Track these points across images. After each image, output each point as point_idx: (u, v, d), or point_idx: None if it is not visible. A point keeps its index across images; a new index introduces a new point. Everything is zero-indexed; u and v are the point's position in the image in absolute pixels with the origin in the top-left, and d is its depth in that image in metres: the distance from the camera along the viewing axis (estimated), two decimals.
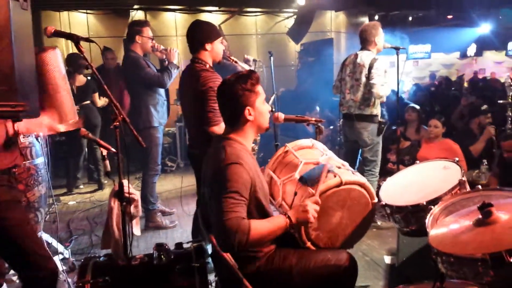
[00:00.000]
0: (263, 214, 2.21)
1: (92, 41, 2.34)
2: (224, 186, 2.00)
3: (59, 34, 2.32)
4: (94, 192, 6.32)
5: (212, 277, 2.71)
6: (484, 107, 5.82)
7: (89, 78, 6.21)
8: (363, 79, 4.31)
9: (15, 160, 2.24)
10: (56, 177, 6.64)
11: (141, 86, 4.52)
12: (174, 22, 9.50)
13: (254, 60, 4.56)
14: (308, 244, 2.34)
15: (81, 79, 6.01)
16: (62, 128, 2.59)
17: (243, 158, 2.11)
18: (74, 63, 5.87)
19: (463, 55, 14.25)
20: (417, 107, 6.13)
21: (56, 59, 2.46)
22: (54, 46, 2.46)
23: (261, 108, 2.23)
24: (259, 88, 2.24)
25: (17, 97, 1.48)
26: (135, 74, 4.46)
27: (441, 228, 1.80)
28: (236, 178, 2.02)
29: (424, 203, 2.24)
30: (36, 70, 2.12)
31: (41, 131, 2.37)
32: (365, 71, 4.30)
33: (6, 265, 3.35)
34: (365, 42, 4.41)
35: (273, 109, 3.36)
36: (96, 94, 6.16)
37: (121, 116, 2.37)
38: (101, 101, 6.29)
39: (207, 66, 3.15)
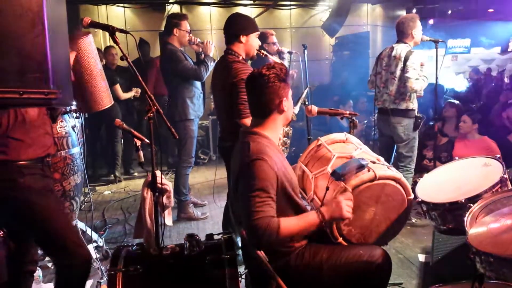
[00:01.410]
0: (295, 208, 2.19)
1: (128, 32, 2.36)
2: (250, 184, 1.99)
3: (95, 25, 2.35)
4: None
5: (241, 269, 2.72)
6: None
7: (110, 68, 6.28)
8: (398, 72, 4.21)
9: (49, 149, 2.28)
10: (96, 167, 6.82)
11: (178, 78, 4.57)
12: (209, 16, 9.54)
13: (289, 52, 4.52)
14: (340, 239, 2.29)
15: None
16: None
17: (267, 153, 2.08)
18: None
19: (504, 50, 13.72)
20: (456, 102, 5.94)
21: (90, 44, 2.50)
22: (87, 32, 2.49)
23: (290, 101, 2.26)
24: (289, 81, 2.24)
25: (50, 84, 1.50)
26: (172, 66, 4.51)
27: (481, 227, 1.73)
28: (261, 175, 2.00)
29: (463, 201, 2.16)
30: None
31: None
32: (400, 64, 4.19)
33: (40, 252, 3.47)
34: (402, 34, 4.30)
35: (307, 102, 3.32)
36: (118, 86, 6.19)
37: (155, 107, 2.38)
38: (128, 94, 6.35)
39: (240, 58, 3.12)
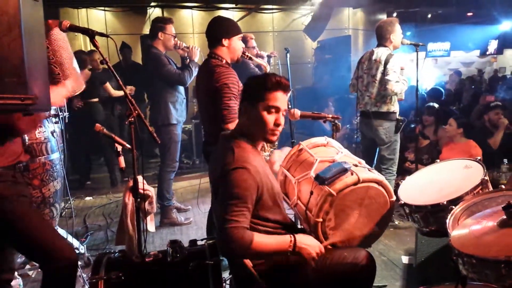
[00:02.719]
0: (276, 213, 2.18)
1: (107, 36, 2.32)
2: (229, 192, 1.97)
3: (74, 28, 2.31)
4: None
5: (226, 275, 2.69)
6: (494, 103, 5.69)
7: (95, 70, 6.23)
8: (379, 76, 4.25)
9: (19, 157, 2.27)
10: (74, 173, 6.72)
11: (161, 83, 4.55)
12: (191, 19, 9.51)
13: (269, 56, 4.50)
14: (325, 243, 2.29)
15: (86, 73, 6.02)
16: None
17: (250, 162, 2.05)
18: (78, 59, 5.91)
19: (483, 53, 13.98)
20: (436, 106, 6.01)
21: (58, 33, 2.46)
22: (56, 21, 2.44)
23: (262, 114, 2.10)
24: (271, 95, 2.10)
25: (27, 89, 1.46)
26: (156, 70, 4.49)
27: (463, 229, 1.75)
28: (242, 184, 1.98)
29: (445, 203, 2.17)
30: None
31: (61, 102, 2.37)
32: (381, 68, 4.23)
33: (20, 260, 3.39)
34: (381, 38, 4.35)
35: (290, 106, 3.31)
36: (108, 84, 6.13)
37: (136, 112, 2.35)
38: (119, 92, 6.29)
39: (223, 62, 3.10)
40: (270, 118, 2.12)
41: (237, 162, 2.02)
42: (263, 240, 2.00)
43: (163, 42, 4.53)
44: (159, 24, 4.53)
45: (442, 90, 8.44)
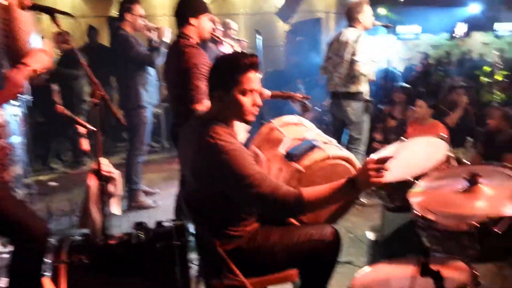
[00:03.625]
0: None
1: (68, 14, 2.23)
2: (239, 172, 1.92)
3: (36, 7, 2.21)
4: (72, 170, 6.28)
5: (194, 256, 2.67)
6: (458, 83, 5.80)
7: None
8: (348, 56, 4.27)
9: None
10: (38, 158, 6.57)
11: (130, 65, 4.45)
12: (161, 1, 9.31)
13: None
14: (292, 220, 2.30)
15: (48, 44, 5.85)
16: None
17: (234, 141, 2.02)
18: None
19: (452, 36, 14.21)
20: (408, 86, 6.09)
21: (24, 16, 2.34)
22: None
23: (238, 98, 2.03)
24: (244, 77, 2.02)
25: None
26: (124, 52, 4.39)
27: (426, 196, 1.78)
28: (245, 163, 1.95)
29: (410, 179, 2.19)
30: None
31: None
32: (349, 48, 4.25)
33: None
34: (350, 19, 4.39)
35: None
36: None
37: (101, 93, 2.28)
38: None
39: (193, 41, 3.05)
40: (247, 101, 2.05)
41: (224, 147, 1.96)
42: (313, 189, 1.95)
43: (131, 24, 4.43)
44: (127, 5, 4.44)
45: (415, 71, 8.56)
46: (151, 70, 4.56)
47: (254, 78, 2.05)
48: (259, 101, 2.09)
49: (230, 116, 2.12)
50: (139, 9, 4.45)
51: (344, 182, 1.93)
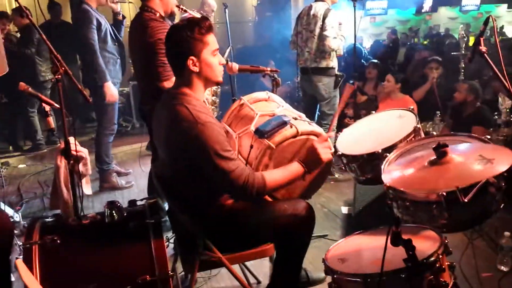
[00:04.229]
0: None
1: None
2: (211, 149, 1.94)
3: None
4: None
5: (169, 234, 2.67)
6: (431, 57, 5.88)
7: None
8: (317, 31, 4.25)
9: None
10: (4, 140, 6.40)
11: None
12: None
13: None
14: (266, 196, 2.31)
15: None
16: None
17: (209, 114, 2.04)
18: None
19: (418, 11, 14.35)
20: (379, 62, 6.14)
21: None
22: None
23: (208, 60, 2.06)
24: (209, 38, 2.06)
25: None
26: (78, 30, 4.21)
27: (395, 170, 1.81)
28: (218, 137, 1.97)
29: (380, 151, 2.22)
30: None
31: None
32: (319, 23, 4.23)
33: None
34: None
35: (229, 61, 3.25)
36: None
37: (63, 68, 2.20)
38: None
39: (157, 15, 2.96)
40: (216, 61, 2.10)
41: (199, 118, 1.96)
42: (275, 175, 2.09)
43: None
44: None
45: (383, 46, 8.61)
46: (110, 48, 4.36)
47: (214, 39, 2.11)
48: (222, 60, 2.16)
49: (204, 82, 2.12)
50: None
51: (298, 167, 2.12)
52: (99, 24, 4.19)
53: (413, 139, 2.29)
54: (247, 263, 2.80)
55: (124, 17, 4.34)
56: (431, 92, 5.34)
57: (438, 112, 4.81)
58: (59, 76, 2.19)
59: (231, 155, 1.99)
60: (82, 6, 4.22)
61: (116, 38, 4.43)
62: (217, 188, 2.14)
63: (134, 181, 4.78)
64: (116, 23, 4.40)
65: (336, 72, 4.39)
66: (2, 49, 2.31)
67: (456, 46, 6.99)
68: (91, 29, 4.12)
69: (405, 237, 1.51)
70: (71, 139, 2.30)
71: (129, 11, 5.09)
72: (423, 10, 14.03)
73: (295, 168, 2.12)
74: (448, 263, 1.79)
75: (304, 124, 2.35)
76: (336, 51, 4.31)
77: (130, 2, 4.88)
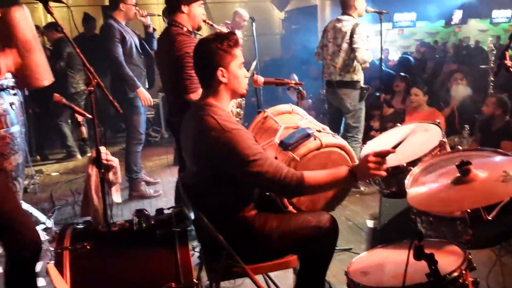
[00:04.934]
0: None
1: (61, 1, 2.23)
2: (243, 155, 1.98)
3: None
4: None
5: (195, 243, 2.72)
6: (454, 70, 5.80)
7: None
8: (344, 45, 4.27)
9: None
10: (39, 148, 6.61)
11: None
12: None
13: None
14: (290, 208, 2.34)
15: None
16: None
17: (235, 122, 2.10)
18: None
19: (448, 23, 14.17)
20: (407, 76, 6.10)
21: (25, 17, 2.35)
22: (20, 3, 2.34)
23: (236, 72, 2.14)
24: (236, 51, 2.15)
25: None
26: (103, 44, 4.37)
27: (420, 187, 1.80)
28: (248, 143, 2.01)
29: (404, 165, 2.23)
30: (4, 30, 2.04)
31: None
32: (346, 37, 4.25)
33: None
34: (345, 6, 4.37)
35: (254, 74, 3.31)
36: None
37: (95, 80, 2.29)
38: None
39: (184, 30, 3.04)
40: (242, 73, 2.18)
41: (227, 126, 2.02)
42: (315, 174, 2.04)
43: (125, 13, 4.41)
44: None
45: (411, 59, 8.53)
46: (137, 61, 4.51)
47: (240, 52, 2.18)
48: (247, 74, 2.23)
49: (230, 94, 2.18)
50: None
51: (345, 172, 2.02)
52: (123, 38, 4.34)
53: (438, 153, 2.29)
54: (271, 274, 2.82)
55: (154, 30, 4.51)
56: (452, 115, 5.28)
57: (466, 126, 4.75)
58: (92, 88, 2.28)
59: (261, 156, 2.02)
60: (107, 21, 4.39)
61: (143, 50, 4.57)
62: (244, 197, 2.18)
63: (162, 191, 4.87)
64: (147, 35, 4.54)
65: (362, 85, 4.39)
66: (45, 60, 2.44)
67: (486, 59, 6.88)
68: (114, 42, 4.28)
69: (428, 251, 1.51)
70: (102, 149, 2.38)
71: (159, 24, 5.24)
72: (452, 22, 13.85)
73: (341, 171, 2.04)
74: (472, 279, 1.76)
75: (328, 136, 2.38)
76: (362, 64, 4.32)
77: (159, 15, 5.07)
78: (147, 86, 4.68)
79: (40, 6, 2.19)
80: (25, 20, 2.39)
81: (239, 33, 6.31)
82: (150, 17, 4.75)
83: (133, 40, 4.44)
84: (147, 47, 4.62)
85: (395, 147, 2.11)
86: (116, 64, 4.27)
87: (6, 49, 2.28)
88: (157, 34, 4.41)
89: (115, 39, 4.29)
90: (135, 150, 4.64)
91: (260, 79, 2.96)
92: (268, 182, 2.00)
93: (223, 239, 2.15)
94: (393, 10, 11.90)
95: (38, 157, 6.50)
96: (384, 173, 2.02)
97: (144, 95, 4.37)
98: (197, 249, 2.79)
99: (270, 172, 1.98)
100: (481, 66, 5.78)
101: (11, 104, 3.06)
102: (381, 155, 2.00)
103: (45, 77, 2.54)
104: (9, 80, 3.05)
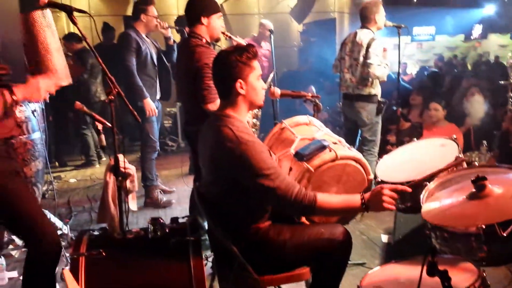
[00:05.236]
0: None
1: (85, 12, 2.30)
2: (256, 165, 2.00)
3: (52, 4, 2.28)
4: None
5: (208, 253, 2.73)
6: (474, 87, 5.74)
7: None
8: (361, 59, 4.28)
9: (12, 130, 2.24)
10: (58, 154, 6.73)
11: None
12: (176, 0, 9.39)
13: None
14: (303, 219, 2.34)
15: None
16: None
17: (251, 134, 2.12)
18: None
19: (468, 38, 14.07)
20: (424, 90, 6.07)
21: (44, 18, 2.41)
22: (42, 6, 2.40)
23: (254, 84, 2.17)
24: (255, 63, 2.18)
25: None
26: (119, 52, 4.45)
27: (435, 202, 1.80)
28: (262, 157, 2.03)
29: (420, 180, 2.22)
30: (25, 30, 2.09)
31: (39, 97, 2.30)
32: (363, 51, 4.26)
33: (5, 239, 3.40)
34: (365, 19, 4.37)
35: (272, 86, 3.33)
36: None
37: (116, 90, 2.35)
38: None
39: (204, 41, 3.09)
40: (260, 85, 2.21)
41: (242, 138, 2.04)
42: (329, 198, 2.05)
43: (145, 24, 4.49)
44: (141, 6, 4.49)
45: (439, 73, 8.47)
46: (149, 71, 4.56)
47: (258, 64, 2.21)
48: (264, 85, 2.26)
49: (248, 105, 2.21)
50: (153, 10, 4.51)
51: (358, 203, 2.03)
52: (138, 48, 4.42)
53: (454, 169, 2.27)
54: (283, 287, 2.81)
55: (175, 42, 4.58)
56: (468, 134, 5.23)
57: (484, 141, 4.69)
58: (112, 97, 2.33)
59: (275, 171, 2.03)
60: (126, 30, 4.47)
61: (160, 63, 4.65)
62: (258, 208, 2.20)
63: (178, 199, 4.90)
64: (168, 47, 4.61)
65: (379, 98, 4.39)
66: (64, 61, 2.49)
67: (505, 74, 6.80)
68: (129, 51, 4.37)
69: (441, 268, 1.50)
70: (120, 157, 2.42)
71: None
72: (472, 37, 13.74)
73: (354, 200, 2.05)
74: None
75: (343, 149, 2.38)
76: (380, 78, 4.32)
77: (179, 28, 5.15)
78: (158, 97, 4.72)
79: (63, 15, 2.25)
80: (45, 21, 2.45)
81: (267, 45, 6.45)
82: (172, 30, 4.84)
83: (149, 51, 4.51)
84: (165, 59, 4.69)
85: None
86: (127, 72, 4.35)
87: (49, 72, 2.35)
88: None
89: (131, 47, 4.38)
90: (150, 157, 4.69)
91: (277, 91, 2.98)
92: (278, 198, 2.02)
93: (236, 249, 2.16)
94: (412, 24, 11.86)
95: (57, 163, 6.61)
96: (394, 207, 2.05)
97: (150, 106, 4.43)
98: (210, 259, 2.80)
99: (281, 189, 2.00)
100: (500, 82, 5.71)
101: (33, 111, 3.14)
102: (396, 191, 2.02)
103: (63, 77, 2.59)
104: None
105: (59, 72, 2.52)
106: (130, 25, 4.58)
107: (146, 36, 4.59)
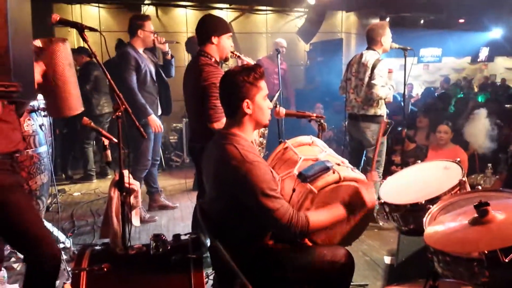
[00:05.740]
0: None
1: (97, 30, 2.35)
2: (258, 188, 2.02)
3: (64, 22, 2.33)
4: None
5: (210, 271, 2.72)
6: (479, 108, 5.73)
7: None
8: (366, 79, 4.31)
9: (18, 144, 2.26)
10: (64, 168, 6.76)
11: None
12: (185, 18, 9.51)
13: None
14: (305, 240, 2.33)
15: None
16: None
17: (256, 154, 2.13)
18: None
19: (474, 60, 14.13)
20: (430, 112, 6.08)
21: (65, 51, 2.45)
22: (64, 38, 2.45)
23: (260, 104, 2.20)
24: (262, 84, 2.21)
25: (11, 77, 1.49)
26: (120, 68, 4.44)
27: (437, 226, 1.79)
28: (265, 177, 2.05)
29: (423, 202, 2.22)
30: (46, 62, 2.14)
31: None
32: (368, 72, 4.29)
33: (6, 252, 3.41)
34: (371, 41, 4.41)
35: (277, 106, 3.36)
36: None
37: (123, 106, 2.38)
38: None
39: (212, 60, 3.13)
40: (266, 105, 2.24)
41: (248, 157, 2.06)
42: (318, 217, 2.13)
43: (143, 40, 4.50)
44: (138, 22, 4.50)
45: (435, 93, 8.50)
46: (150, 89, 4.55)
47: (265, 84, 2.25)
48: (270, 105, 2.29)
49: (254, 124, 2.23)
50: (150, 25, 4.52)
51: (341, 210, 2.21)
52: (138, 65, 4.41)
53: (458, 192, 2.27)
54: None
55: (172, 57, 4.61)
56: (473, 156, 5.23)
57: (489, 164, 4.68)
58: (119, 113, 2.36)
59: (276, 193, 2.06)
60: (123, 48, 4.50)
61: (159, 78, 4.65)
62: (261, 227, 2.20)
63: (180, 215, 4.90)
64: (165, 62, 4.64)
65: (385, 119, 4.39)
66: (79, 91, 2.54)
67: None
68: (129, 70, 4.36)
69: None
70: (125, 172, 2.44)
71: (184, 52, 5.33)
72: (478, 59, 13.80)
73: (338, 210, 2.18)
74: None
75: (347, 170, 2.38)
76: (385, 99, 4.34)
77: (177, 43, 5.21)
78: (159, 113, 4.71)
79: (74, 30, 2.29)
80: (66, 54, 2.48)
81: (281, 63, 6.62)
82: (176, 45, 4.87)
83: (148, 68, 4.51)
84: (163, 75, 4.70)
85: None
86: (129, 91, 4.32)
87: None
88: (184, 62, 4.53)
89: (130, 66, 4.37)
90: (139, 175, 4.57)
91: (282, 111, 3.00)
92: (276, 220, 2.03)
93: (237, 267, 2.16)
94: (419, 45, 11.95)
95: (63, 176, 6.64)
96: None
97: (155, 122, 4.44)
98: (212, 277, 2.78)
99: (280, 212, 2.02)
100: (506, 106, 5.72)
101: (41, 125, 3.18)
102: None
103: (75, 107, 2.61)
104: (40, 102, 3.18)
105: (74, 102, 2.55)
106: (127, 42, 4.59)
107: (143, 52, 4.59)
